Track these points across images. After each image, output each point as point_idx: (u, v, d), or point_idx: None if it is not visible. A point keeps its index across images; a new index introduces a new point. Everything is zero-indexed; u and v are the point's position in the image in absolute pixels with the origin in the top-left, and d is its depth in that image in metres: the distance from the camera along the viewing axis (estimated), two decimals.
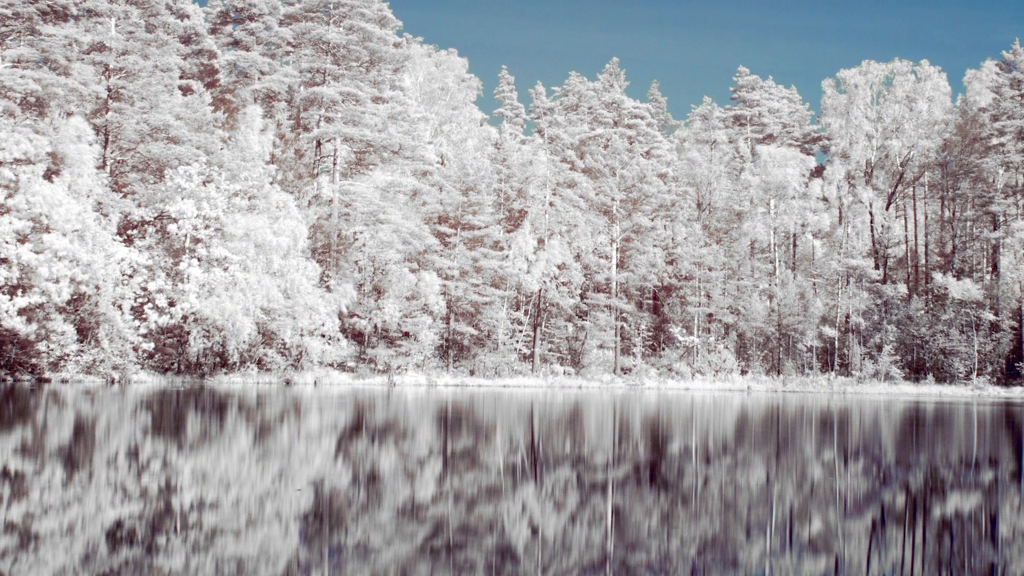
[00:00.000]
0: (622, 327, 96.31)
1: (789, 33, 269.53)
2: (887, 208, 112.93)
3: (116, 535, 13.47)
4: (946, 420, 49.07)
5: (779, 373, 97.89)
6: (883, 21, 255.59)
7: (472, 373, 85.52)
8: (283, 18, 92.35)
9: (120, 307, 65.12)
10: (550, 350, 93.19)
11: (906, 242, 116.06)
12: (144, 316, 65.94)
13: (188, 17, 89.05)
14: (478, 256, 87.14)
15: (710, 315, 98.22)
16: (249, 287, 68.17)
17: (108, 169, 72.39)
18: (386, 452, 25.39)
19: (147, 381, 65.24)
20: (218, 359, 70.30)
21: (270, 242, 69.70)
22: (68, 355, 62.35)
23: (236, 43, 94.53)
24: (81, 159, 65.14)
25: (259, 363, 72.49)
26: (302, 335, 72.58)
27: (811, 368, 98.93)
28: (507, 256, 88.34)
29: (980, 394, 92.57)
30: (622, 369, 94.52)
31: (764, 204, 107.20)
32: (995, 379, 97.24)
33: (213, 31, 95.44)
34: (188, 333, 68.15)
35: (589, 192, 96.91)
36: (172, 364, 68.87)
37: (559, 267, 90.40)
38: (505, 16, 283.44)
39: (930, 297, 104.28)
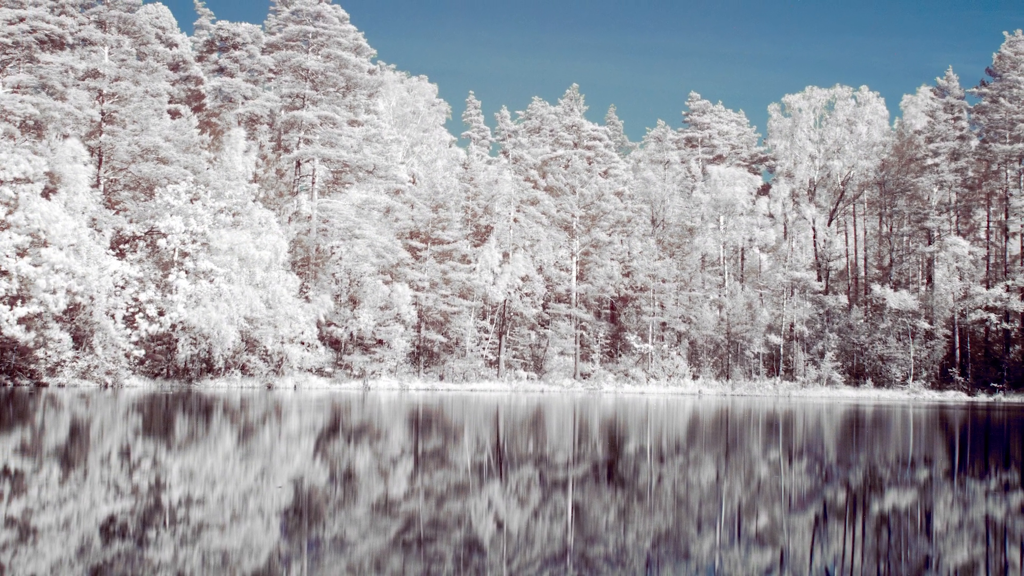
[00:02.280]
0: (581, 335, 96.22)
1: (738, 61, 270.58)
2: (829, 224, 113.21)
3: (109, 529, 13.44)
4: (884, 422, 49.28)
5: (728, 378, 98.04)
6: (825, 50, 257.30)
7: (442, 378, 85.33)
8: (265, 47, 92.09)
9: (113, 316, 64.85)
10: (514, 356, 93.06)
11: (847, 256, 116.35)
12: (135, 325, 65.69)
13: (176, 46, 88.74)
14: (447, 269, 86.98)
15: (664, 324, 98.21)
16: (233, 298, 67.99)
17: (102, 187, 72.15)
18: (361, 452, 25.36)
19: (138, 386, 64.92)
20: (204, 365, 70.02)
21: (253, 256, 69.56)
22: (64, 361, 62.07)
23: (221, 70, 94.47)
24: (76, 178, 64.93)
25: (243, 369, 72.23)
26: (283, 342, 72.37)
27: (758, 373, 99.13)
28: (474, 269, 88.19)
29: (916, 398, 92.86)
30: (582, 374, 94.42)
31: (714, 220, 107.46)
32: (930, 384, 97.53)
33: (200, 59, 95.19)
34: (176, 341, 67.89)
35: (551, 209, 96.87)
36: (161, 370, 68.57)
37: (523, 279, 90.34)
38: (473, 45, 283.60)
39: (869, 307, 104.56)
